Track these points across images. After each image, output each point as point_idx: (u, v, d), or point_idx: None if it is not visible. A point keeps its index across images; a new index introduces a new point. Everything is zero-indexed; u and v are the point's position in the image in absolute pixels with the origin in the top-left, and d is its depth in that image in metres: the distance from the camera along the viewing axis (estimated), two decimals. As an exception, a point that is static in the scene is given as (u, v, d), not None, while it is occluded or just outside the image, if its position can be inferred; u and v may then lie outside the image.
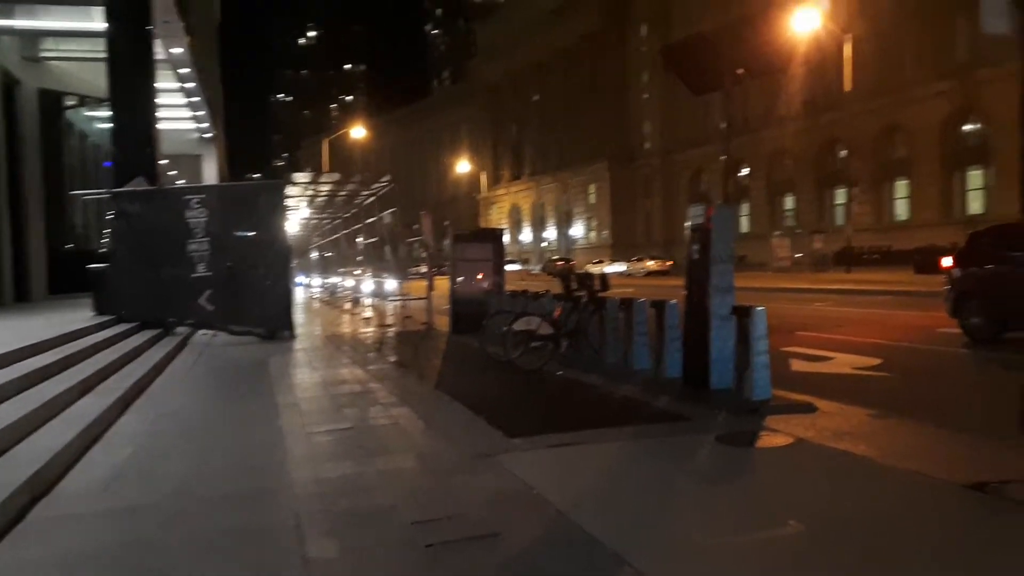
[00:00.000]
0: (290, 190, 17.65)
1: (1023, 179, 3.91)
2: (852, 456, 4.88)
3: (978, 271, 10.70)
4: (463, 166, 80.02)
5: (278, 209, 13.62)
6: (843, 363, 9.19)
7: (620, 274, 45.92)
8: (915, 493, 4.14)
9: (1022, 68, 3.72)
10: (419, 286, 16.10)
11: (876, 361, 9.13)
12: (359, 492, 4.37)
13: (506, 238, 78.31)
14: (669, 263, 48.49)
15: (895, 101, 43.55)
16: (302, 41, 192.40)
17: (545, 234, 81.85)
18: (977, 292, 10.55)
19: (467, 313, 12.95)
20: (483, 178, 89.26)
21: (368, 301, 20.22)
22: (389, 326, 15.33)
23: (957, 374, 8.86)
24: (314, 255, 36.61)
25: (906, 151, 44.72)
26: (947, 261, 11.54)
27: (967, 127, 41.29)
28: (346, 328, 16.27)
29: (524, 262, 69.76)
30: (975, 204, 41.11)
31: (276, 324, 13.08)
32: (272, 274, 13.07)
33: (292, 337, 13.11)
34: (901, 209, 45.80)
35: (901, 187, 45.62)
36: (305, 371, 9.53)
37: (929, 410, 6.27)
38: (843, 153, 46.41)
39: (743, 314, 6.55)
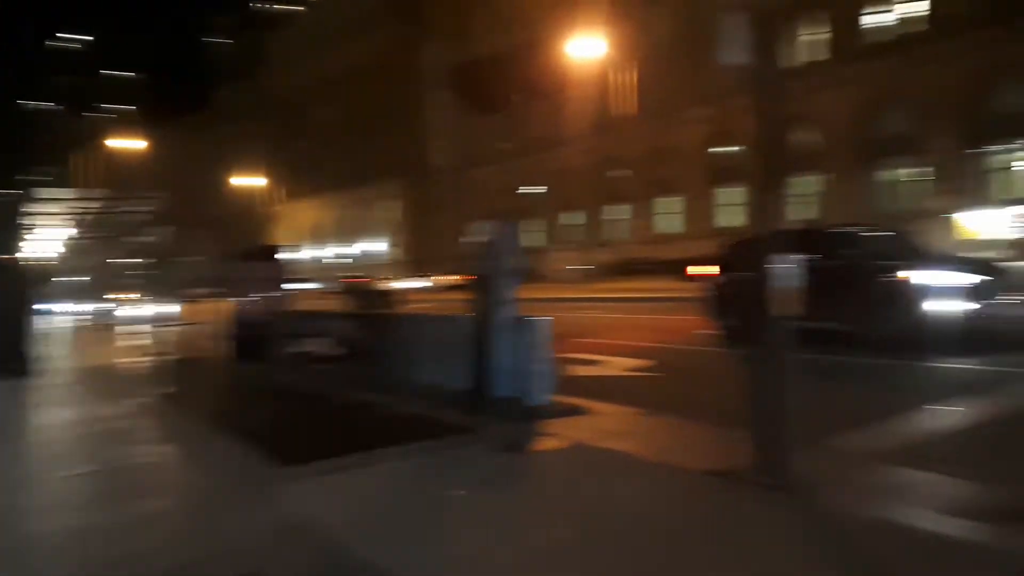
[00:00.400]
0: (49, 207, 15.78)
1: (756, 196, 4.46)
2: (622, 454, 5.17)
3: (734, 278, 11.89)
4: (252, 180, 76.00)
5: (13, 228, 12.00)
6: (617, 366, 9.77)
7: (421, 289, 45.90)
8: (672, 484, 4.49)
9: (755, 98, 4.24)
10: (199, 309, 14.99)
11: (646, 363, 9.80)
12: (108, 540, 3.93)
13: (303, 255, 74.64)
14: (471, 277, 49.21)
15: (667, 124, 47.62)
16: (72, 46, 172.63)
17: (342, 251, 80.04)
18: (733, 297, 11.72)
19: (250, 337, 12.12)
20: (275, 193, 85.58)
21: (141, 327, 18.52)
22: (163, 354, 14.10)
23: (716, 372, 9.69)
24: (81, 278, 33.09)
25: (676, 170, 49.01)
26: (691, 269, 12.74)
27: (725, 149, 46.00)
28: (112, 359, 14.75)
29: (321, 280, 67.74)
30: (736, 218, 45.85)
31: (14, 357, 11.44)
32: (7, 301, 11.45)
33: (34, 372, 11.48)
34: (673, 222, 49.99)
35: (673, 202, 49.83)
36: (53, 410, 8.46)
37: (692, 406, 6.80)
38: (621, 172, 50.06)
39: (525, 324, 6.78)
